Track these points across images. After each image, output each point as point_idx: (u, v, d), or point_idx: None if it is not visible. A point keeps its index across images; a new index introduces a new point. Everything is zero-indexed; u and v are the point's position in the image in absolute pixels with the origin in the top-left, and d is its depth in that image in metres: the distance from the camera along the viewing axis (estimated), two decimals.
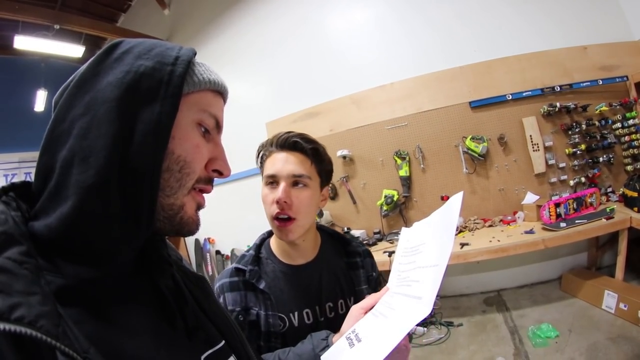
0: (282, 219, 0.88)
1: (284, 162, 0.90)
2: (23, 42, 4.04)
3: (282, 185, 0.88)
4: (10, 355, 0.29)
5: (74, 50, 4.45)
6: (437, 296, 0.58)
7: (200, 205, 0.48)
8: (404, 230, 0.83)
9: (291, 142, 0.91)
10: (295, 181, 0.89)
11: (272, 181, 0.90)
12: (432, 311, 0.57)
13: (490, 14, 2.96)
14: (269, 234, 1.03)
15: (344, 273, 1.00)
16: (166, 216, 0.44)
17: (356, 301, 0.98)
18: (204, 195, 0.49)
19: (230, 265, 0.95)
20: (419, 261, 0.68)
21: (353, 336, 0.67)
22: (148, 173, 0.41)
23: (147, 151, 0.40)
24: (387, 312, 0.66)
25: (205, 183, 0.47)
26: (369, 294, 0.99)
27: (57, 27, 3.93)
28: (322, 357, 0.71)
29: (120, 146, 0.39)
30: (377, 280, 1.07)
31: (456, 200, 0.66)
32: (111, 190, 0.39)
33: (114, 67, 0.42)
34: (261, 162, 0.96)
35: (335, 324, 0.87)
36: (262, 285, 0.89)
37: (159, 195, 0.42)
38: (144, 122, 0.40)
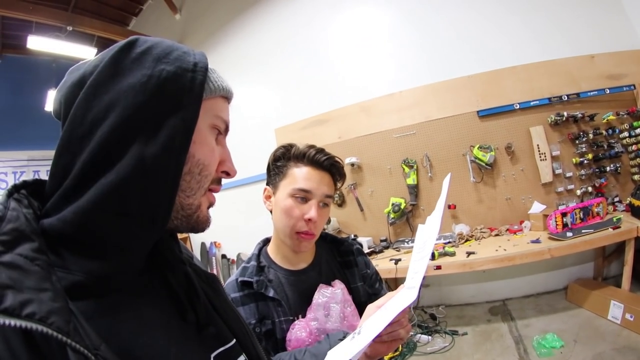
0: (305, 233, 0.91)
1: (319, 182, 0.91)
2: (36, 43, 4.09)
3: (315, 205, 0.90)
4: (21, 351, 0.29)
5: (86, 52, 4.50)
6: (422, 285, 0.61)
7: (211, 204, 0.50)
8: (419, 227, 0.86)
9: (329, 164, 0.93)
10: (324, 202, 0.93)
11: (303, 196, 0.90)
12: (416, 298, 0.59)
13: (498, 24, 2.97)
14: (265, 242, 1.05)
15: (339, 272, 1.04)
16: (184, 215, 0.46)
17: (353, 298, 1.00)
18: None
19: (231, 278, 0.95)
20: (424, 253, 0.70)
21: (357, 331, 0.69)
22: (170, 175, 0.42)
23: (171, 155, 0.42)
24: (389, 305, 0.69)
25: (216, 183, 0.50)
26: (364, 290, 1.02)
27: (69, 28, 4.00)
28: (328, 352, 0.72)
29: (143, 150, 0.40)
30: (376, 277, 1.09)
31: (445, 183, 0.71)
32: (131, 190, 0.40)
33: (133, 68, 0.42)
34: (280, 170, 0.94)
35: None
36: (271, 293, 0.89)
37: (180, 196, 0.44)
38: (169, 126, 0.41)
